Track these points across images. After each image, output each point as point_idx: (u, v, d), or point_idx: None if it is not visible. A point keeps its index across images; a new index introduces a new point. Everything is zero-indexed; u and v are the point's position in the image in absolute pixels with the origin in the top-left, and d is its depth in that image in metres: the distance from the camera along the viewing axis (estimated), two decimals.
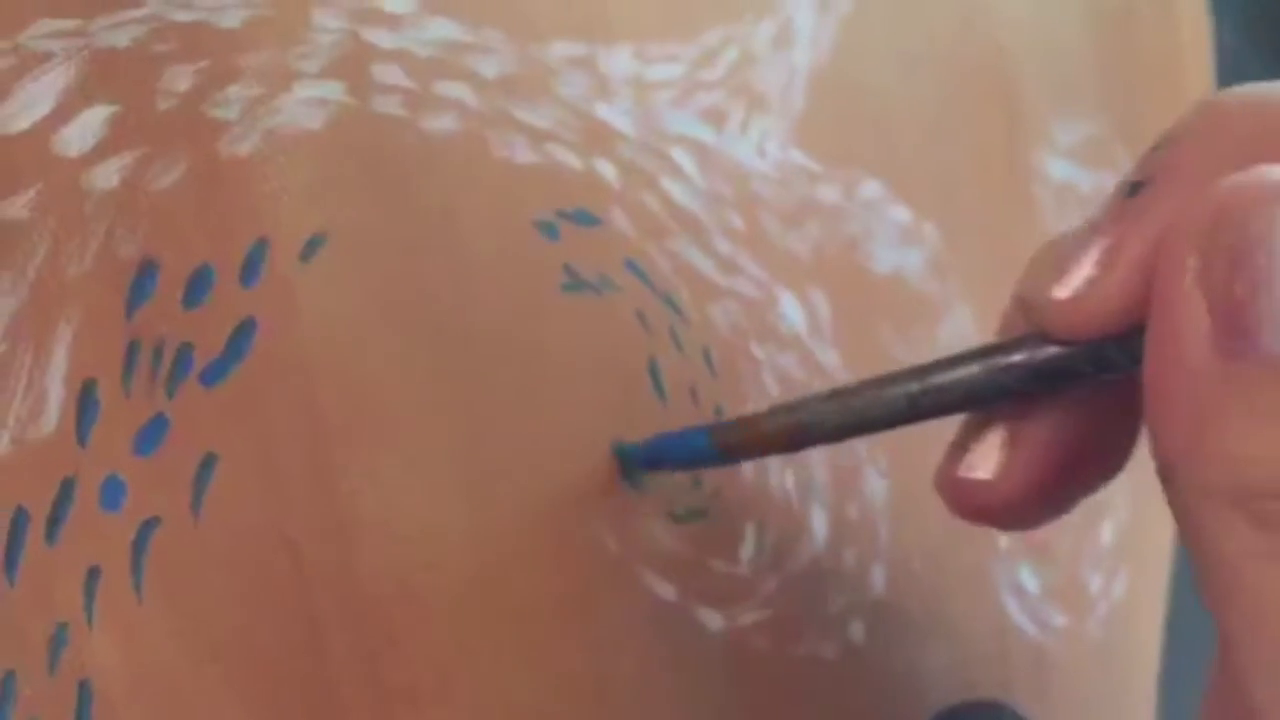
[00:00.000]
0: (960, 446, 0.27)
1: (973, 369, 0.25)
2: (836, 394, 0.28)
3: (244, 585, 0.26)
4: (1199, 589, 0.22)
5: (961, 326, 0.41)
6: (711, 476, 0.34)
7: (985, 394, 0.26)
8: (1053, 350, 0.24)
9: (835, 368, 0.38)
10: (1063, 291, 0.24)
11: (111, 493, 0.25)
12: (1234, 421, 0.20)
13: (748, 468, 0.35)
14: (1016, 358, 0.25)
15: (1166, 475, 0.22)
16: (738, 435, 0.30)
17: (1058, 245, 0.24)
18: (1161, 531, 0.47)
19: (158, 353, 0.26)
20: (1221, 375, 0.21)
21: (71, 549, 0.24)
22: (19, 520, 0.24)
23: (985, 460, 0.26)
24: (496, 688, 0.30)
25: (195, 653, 0.26)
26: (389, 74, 0.30)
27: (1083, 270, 0.23)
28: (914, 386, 0.26)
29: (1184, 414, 0.21)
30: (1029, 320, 0.25)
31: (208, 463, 0.26)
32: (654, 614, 0.33)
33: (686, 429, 0.31)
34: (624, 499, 0.32)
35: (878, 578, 0.38)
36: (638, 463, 0.32)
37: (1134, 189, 0.24)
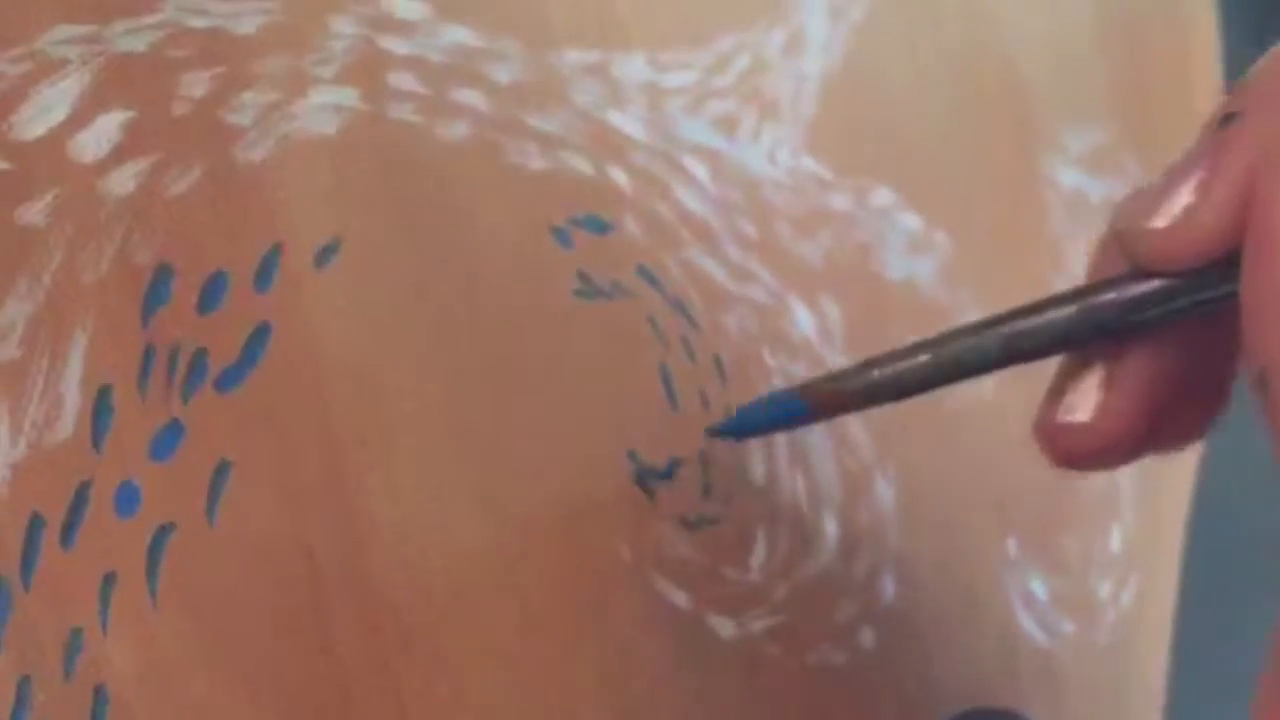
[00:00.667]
0: (1057, 391, 0.27)
1: (1069, 309, 0.25)
2: (928, 344, 0.28)
3: (259, 591, 0.26)
4: None
5: None
6: (722, 483, 0.34)
7: (1081, 334, 0.26)
8: (1149, 284, 0.24)
9: None
10: (1161, 221, 0.24)
11: (127, 498, 0.25)
12: None
13: (759, 474, 0.35)
14: (1111, 295, 0.25)
15: (1262, 386, 0.22)
16: (830, 391, 0.29)
17: (1154, 182, 0.25)
18: (1170, 540, 0.47)
19: (173, 358, 0.26)
20: None
21: (87, 554, 0.24)
22: (35, 525, 0.24)
23: (1084, 402, 0.26)
24: (511, 694, 0.30)
25: (210, 658, 0.26)
26: (403, 80, 0.30)
27: (1180, 199, 0.24)
28: (1008, 330, 0.26)
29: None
30: (1126, 253, 0.25)
31: (222, 468, 0.26)
32: (667, 621, 0.33)
33: (777, 392, 0.31)
34: (637, 506, 0.32)
35: (888, 585, 0.38)
36: (729, 434, 0.32)
37: (1226, 120, 0.24)
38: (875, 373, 0.28)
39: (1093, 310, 0.25)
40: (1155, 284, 0.24)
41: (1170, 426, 0.27)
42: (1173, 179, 0.24)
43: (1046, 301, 0.26)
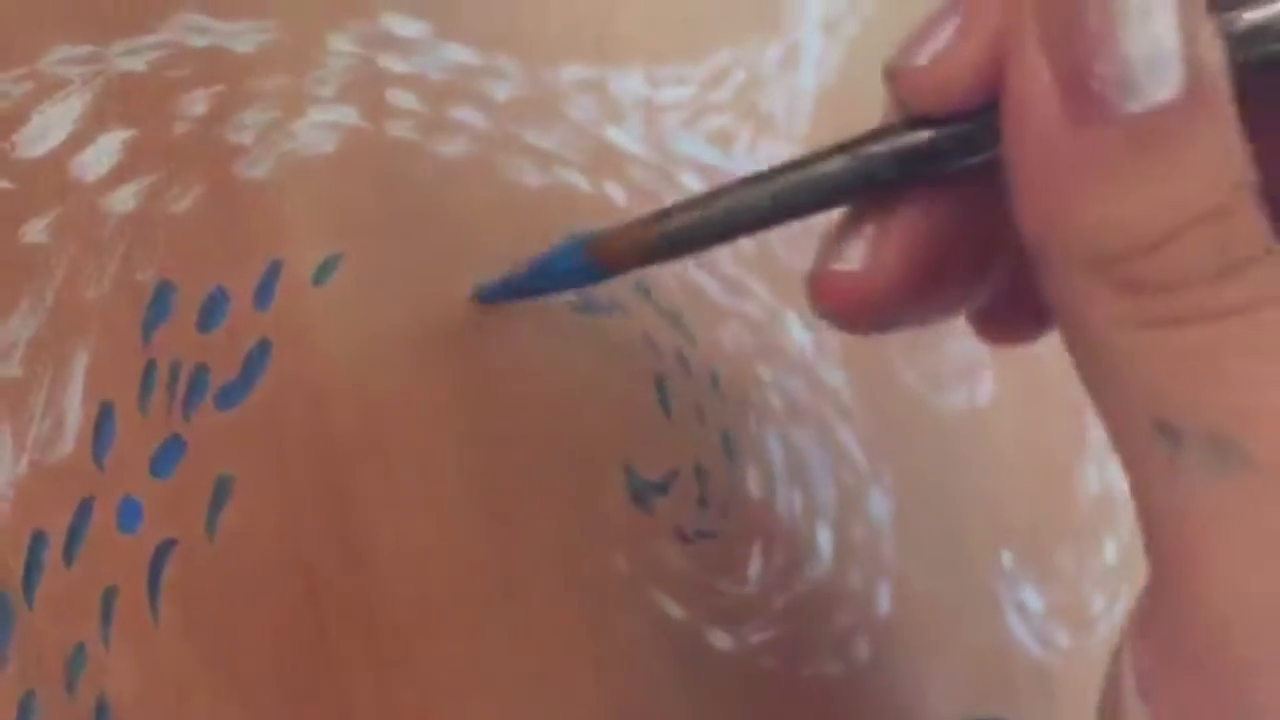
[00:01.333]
0: (831, 243, 0.26)
1: (840, 160, 0.25)
2: (706, 198, 0.27)
3: (259, 606, 0.27)
4: (1078, 372, 0.22)
5: (968, 345, 0.42)
6: (718, 496, 0.35)
7: (854, 185, 0.25)
8: (918, 135, 0.24)
9: (843, 388, 0.38)
10: (922, 59, 0.23)
11: (128, 514, 0.25)
12: (1090, 187, 0.20)
13: (754, 486, 0.35)
14: (882, 146, 0.24)
15: (1037, 257, 0.21)
16: (611, 245, 0.29)
17: (925, 20, 0.24)
18: None
19: (174, 375, 0.26)
20: (1073, 141, 0.20)
21: (89, 570, 0.25)
22: (37, 542, 0.24)
23: (854, 253, 0.25)
24: (510, 708, 0.30)
25: (211, 673, 0.26)
26: (402, 98, 0.30)
27: (941, 39, 0.23)
28: (784, 182, 0.26)
29: (1042, 185, 0.21)
30: (892, 95, 0.24)
31: (223, 484, 0.27)
32: (664, 634, 0.33)
33: (555, 246, 0.30)
34: (633, 519, 0.33)
35: (883, 597, 0.38)
36: (500, 295, 0.30)
37: None
38: (656, 227, 0.27)
39: (863, 161, 0.25)
40: (924, 134, 0.24)
41: (943, 288, 0.26)
42: (938, 18, 0.23)
43: (820, 153, 0.25)
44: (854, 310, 0.26)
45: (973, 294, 0.27)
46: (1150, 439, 0.20)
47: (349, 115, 0.30)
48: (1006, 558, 0.42)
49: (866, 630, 0.37)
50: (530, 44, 0.33)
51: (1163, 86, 0.20)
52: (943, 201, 0.25)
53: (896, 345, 0.40)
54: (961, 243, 0.26)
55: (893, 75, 0.24)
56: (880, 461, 0.38)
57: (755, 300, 0.37)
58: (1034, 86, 0.21)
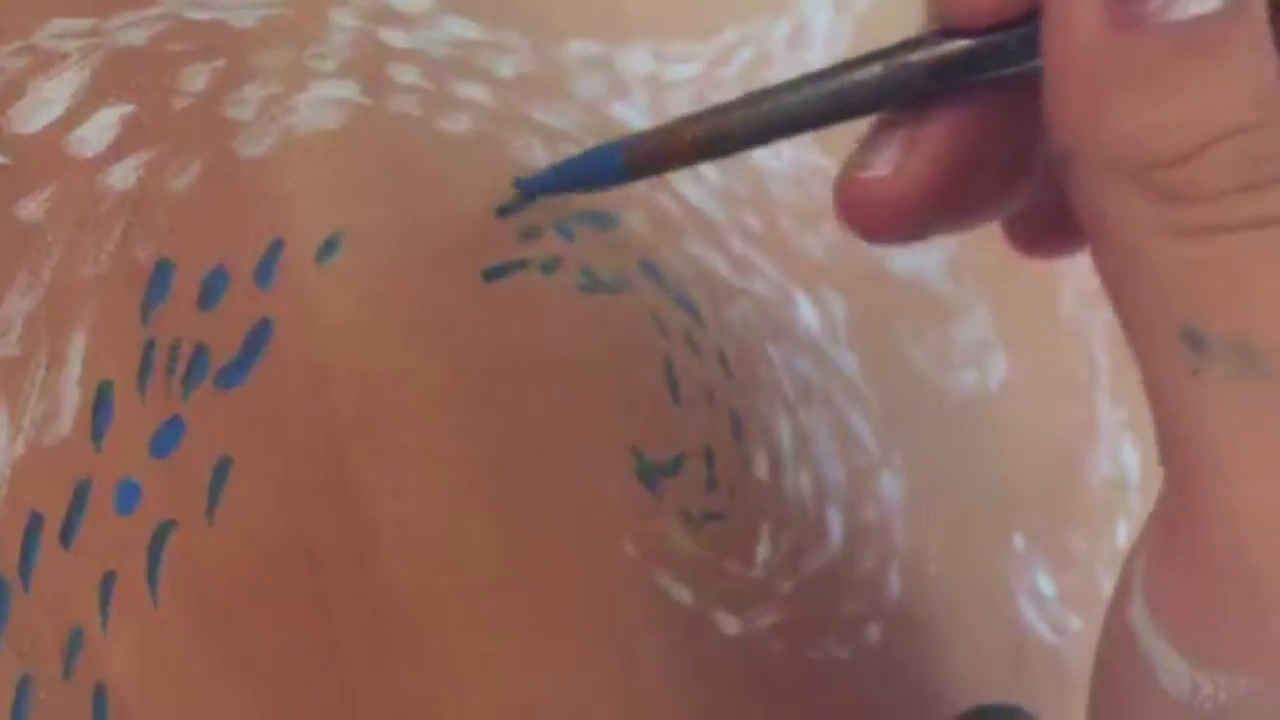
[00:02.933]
0: (862, 150, 0.26)
1: (876, 68, 0.25)
2: (739, 102, 0.27)
3: (260, 589, 0.26)
4: (1104, 282, 0.22)
5: (978, 327, 0.41)
6: (726, 478, 0.34)
7: (888, 93, 0.25)
8: (954, 43, 0.24)
9: (852, 369, 0.38)
10: None
11: (127, 496, 0.25)
12: (1128, 93, 0.21)
13: (763, 469, 0.35)
14: (919, 54, 0.25)
15: (1066, 164, 0.22)
16: (649, 147, 0.29)
17: None
18: None
19: (173, 354, 0.26)
20: (1114, 48, 0.21)
21: (86, 553, 0.24)
22: (34, 524, 0.24)
23: (883, 160, 0.26)
24: (515, 692, 0.29)
25: (211, 657, 0.25)
26: (405, 73, 0.30)
27: None
28: (820, 88, 0.26)
29: (1080, 91, 0.21)
30: (929, 2, 0.25)
31: (223, 465, 0.26)
32: (672, 618, 0.32)
33: (594, 147, 0.30)
34: (640, 502, 0.32)
35: (894, 580, 0.37)
36: (538, 189, 0.30)
37: None
38: (689, 131, 0.28)
39: (899, 70, 0.25)
40: (960, 43, 0.24)
41: (971, 197, 0.26)
42: None
43: (857, 60, 0.26)
44: (879, 218, 0.26)
45: (1000, 206, 0.28)
46: (1175, 347, 0.21)
47: (351, 90, 0.29)
48: (1018, 541, 0.41)
49: (876, 614, 0.37)
50: (536, 19, 0.32)
51: None
52: (974, 112, 0.25)
53: (904, 326, 0.40)
54: (990, 154, 0.26)
55: None
56: (890, 443, 0.38)
57: (764, 279, 0.36)
58: None
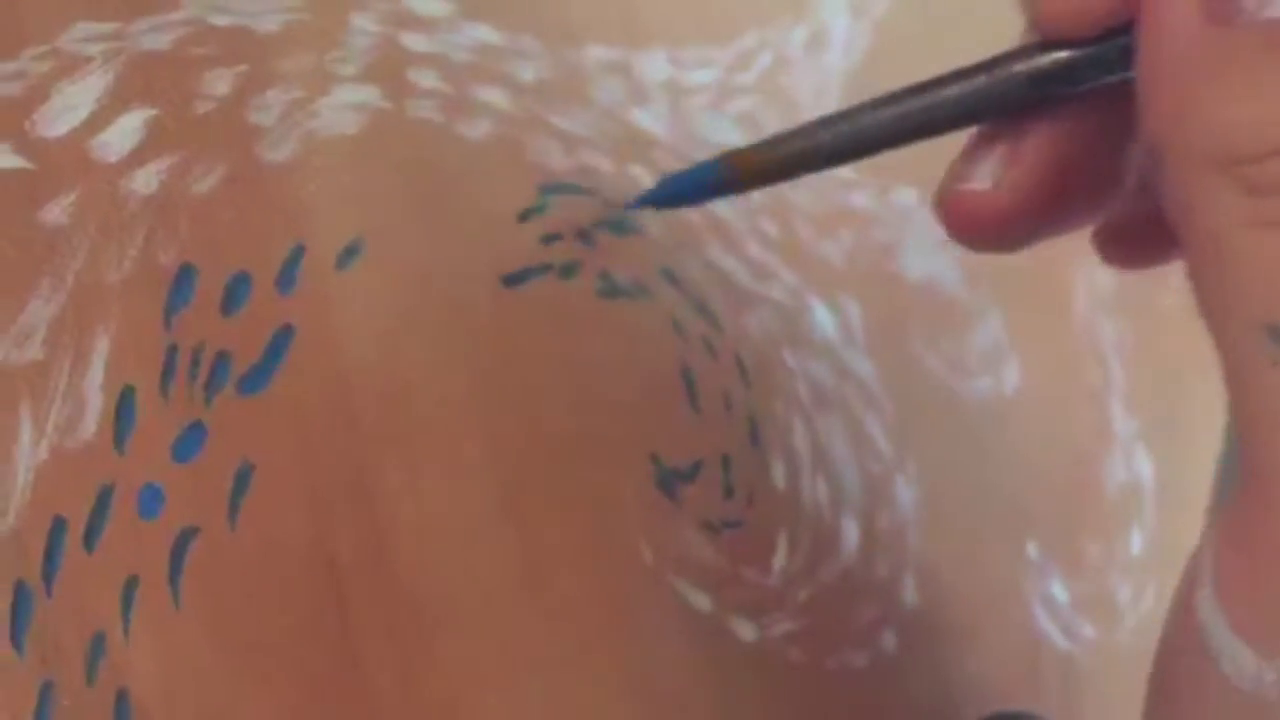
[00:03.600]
0: (962, 163, 0.27)
1: (977, 80, 0.26)
2: (843, 116, 0.27)
3: (281, 594, 0.26)
4: (1190, 275, 0.22)
5: (993, 333, 0.41)
6: (744, 485, 0.34)
7: (989, 105, 0.26)
8: (1052, 55, 0.25)
9: (868, 375, 0.38)
10: None
11: (150, 500, 0.25)
12: (1221, 87, 0.21)
13: (780, 476, 0.35)
14: (1018, 66, 0.25)
15: (1157, 155, 0.22)
16: (748, 160, 0.28)
17: None
18: (1191, 542, 0.47)
19: (196, 359, 0.26)
20: (1209, 42, 0.21)
21: (109, 558, 0.24)
22: (57, 529, 0.24)
23: (986, 173, 0.26)
24: (535, 697, 0.29)
25: (232, 662, 0.25)
26: (425, 78, 0.30)
27: None
28: (921, 101, 0.26)
29: (1173, 84, 0.22)
30: (1028, 17, 0.25)
31: (245, 470, 0.26)
32: (689, 624, 0.32)
33: (694, 165, 0.30)
34: (659, 509, 0.32)
35: (909, 588, 0.37)
36: (647, 202, 0.30)
37: None
38: (793, 145, 0.27)
39: (1001, 81, 0.25)
40: (1058, 55, 0.25)
41: (1069, 207, 0.27)
42: None
43: (956, 74, 0.26)
44: (983, 229, 0.26)
45: (1094, 214, 0.28)
46: (1257, 339, 0.21)
47: (372, 95, 0.29)
48: (1032, 548, 0.41)
49: (892, 622, 0.37)
50: (554, 24, 0.32)
51: None
52: (1070, 124, 0.26)
53: (920, 332, 0.40)
54: (1086, 164, 0.26)
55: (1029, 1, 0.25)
56: (905, 450, 0.38)
57: (781, 285, 0.36)
58: None
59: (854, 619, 0.36)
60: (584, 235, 0.32)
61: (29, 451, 0.24)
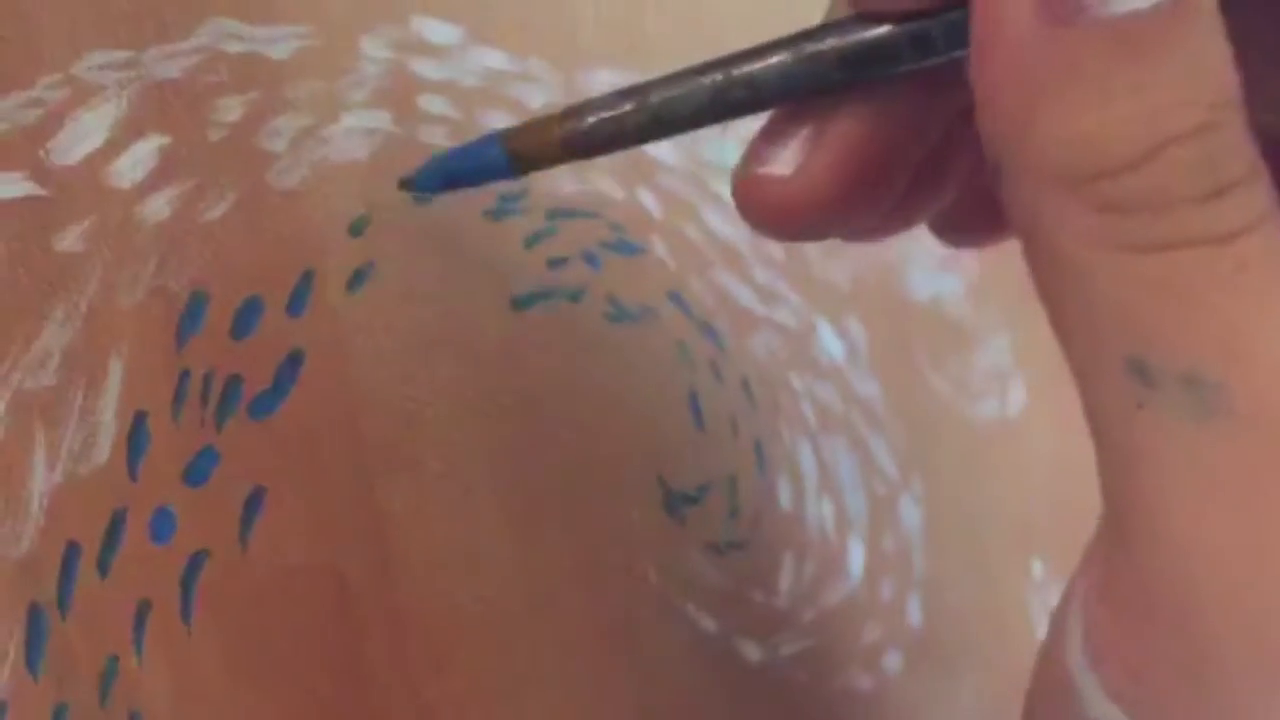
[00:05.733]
0: (762, 142, 0.24)
1: (783, 56, 0.22)
2: (636, 90, 0.24)
3: (292, 617, 0.26)
4: (1043, 302, 0.20)
5: (999, 354, 0.41)
6: (750, 507, 0.34)
7: (797, 84, 0.22)
8: (870, 31, 0.22)
9: (874, 396, 0.38)
10: None
11: (162, 525, 0.25)
12: (1068, 95, 0.18)
13: (785, 497, 0.35)
14: (830, 42, 0.22)
15: (998, 168, 0.19)
16: (531, 139, 0.25)
17: None
18: None
19: (207, 384, 0.26)
20: (1050, 45, 0.18)
21: (122, 582, 0.24)
22: (71, 553, 0.24)
23: (786, 156, 0.23)
24: (541, 718, 0.30)
25: (244, 684, 0.26)
26: (434, 104, 0.30)
27: None
28: (720, 77, 0.23)
29: (1013, 93, 0.19)
30: None
31: (256, 495, 0.26)
32: (695, 646, 0.32)
33: (473, 140, 0.27)
34: (665, 531, 0.32)
35: (914, 609, 0.38)
36: (425, 188, 0.27)
37: None
38: (581, 122, 0.24)
39: (806, 61, 0.22)
40: (875, 31, 0.21)
41: (882, 200, 0.24)
42: None
43: (764, 47, 0.23)
44: (779, 218, 0.23)
45: (922, 207, 0.26)
46: (1120, 377, 0.19)
47: (382, 121, 0.29)
48: (1037, 568, 0.41)
49: (897, 643, 0.37)
50: (562, 48, 0.33)
51: None
52: (889, 107, 0.23)
53: (925, 353, 0.40)
54: (907, 152, 0.24)
55: None
56: (911, 471, 0.38)
57: (787, 307, 0.36)
58: None
59: (859, 640, 0.36)
60: (591, 258, 0.32)
61: (43, 477, 0.24)
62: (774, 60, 0.22)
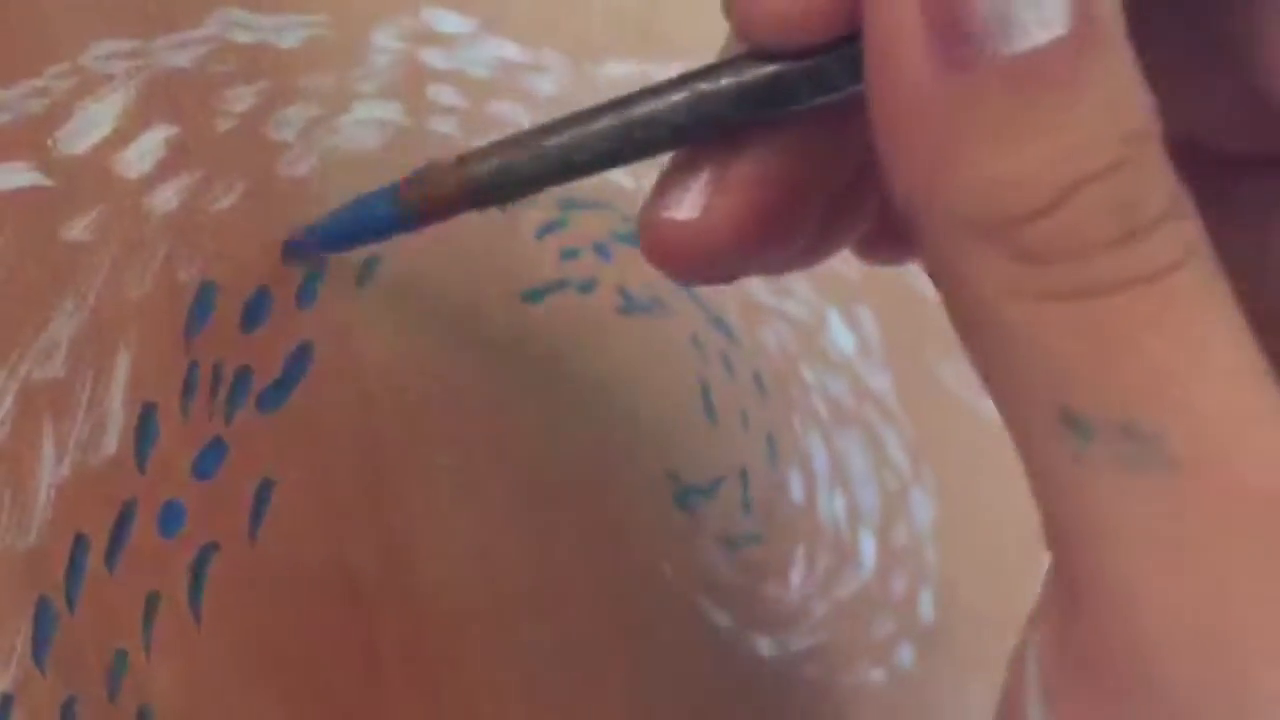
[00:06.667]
0: (665, 186, 0.23)
1: (677, 97, 0.22)
2: (530, 135, 0.23)
3: (302, 611, 0.26)
4: (967, 355, 0.19)
5: None
6: (762, 501, 0.34)
7: (694, 126, 0.22)
8: (764, 68, 0.21)
9: (885, 389, 0.38)
10: None
11: (170, 517, 0.25)
12: (972, 141, 0.17)
13: (796, 491, 0.35)
14: (725, 81, 0.21)
15: (909, 215, 0.19)
16: (425, 190, 0.25)
17: None
18: None
19: (216, 376, 0.26)
20: (949, 89, 0.18)
21: (131, 575, 0.24)
22: (79, 546, 0.24)
23: (688, 199, 0.22)
24: (554, 714, 0.29)
25: (254, 679, 0.25)
26: (444, 94, 0.30)
27: None
28: (614, 121, 0.22)
29: (918, 138, 0.18)
30: (733, 20, 0.21)
31: (265, 487, 0.26)
32: (708, 640, 0.32)
33: (366, 194, 0.26)
34: (678, 525, 0.32)
35: (926, 603, 0.37)
36: (311, 249, 0.27)
37: None
38: (477, 168, 0.24)
39: (699, 99, 0.21)
40: (768, 69, 0.21)
41: (792, 237, 0.23)
42: None
43: (663, 86, 0.22)
44: (686, 262, 0.23)
45: (841, 237, 0.25)
46: (1054, 431, 0.18)
47: (392, 111, 0.29)
48: (1049, 562, 0.41)
49: (909, 637, 0.37)
50: (574, 39, 0.33)
51: (1045, 23, 0.17)
52: (791, 143, 0.22)
53: (936, 345, 0.40)
54: (814, 187, 0.23)
55: (734, 3, 0.21)
56: (922, 464, 0.38)
57: (798, 300, 0.36)
58: (898, 23, 0.18)
59: (871, 634, 0.36)
60: (603, 250, 0.32)
61: (51, 469, 0.24)
62: (671, 99, 0.22)
